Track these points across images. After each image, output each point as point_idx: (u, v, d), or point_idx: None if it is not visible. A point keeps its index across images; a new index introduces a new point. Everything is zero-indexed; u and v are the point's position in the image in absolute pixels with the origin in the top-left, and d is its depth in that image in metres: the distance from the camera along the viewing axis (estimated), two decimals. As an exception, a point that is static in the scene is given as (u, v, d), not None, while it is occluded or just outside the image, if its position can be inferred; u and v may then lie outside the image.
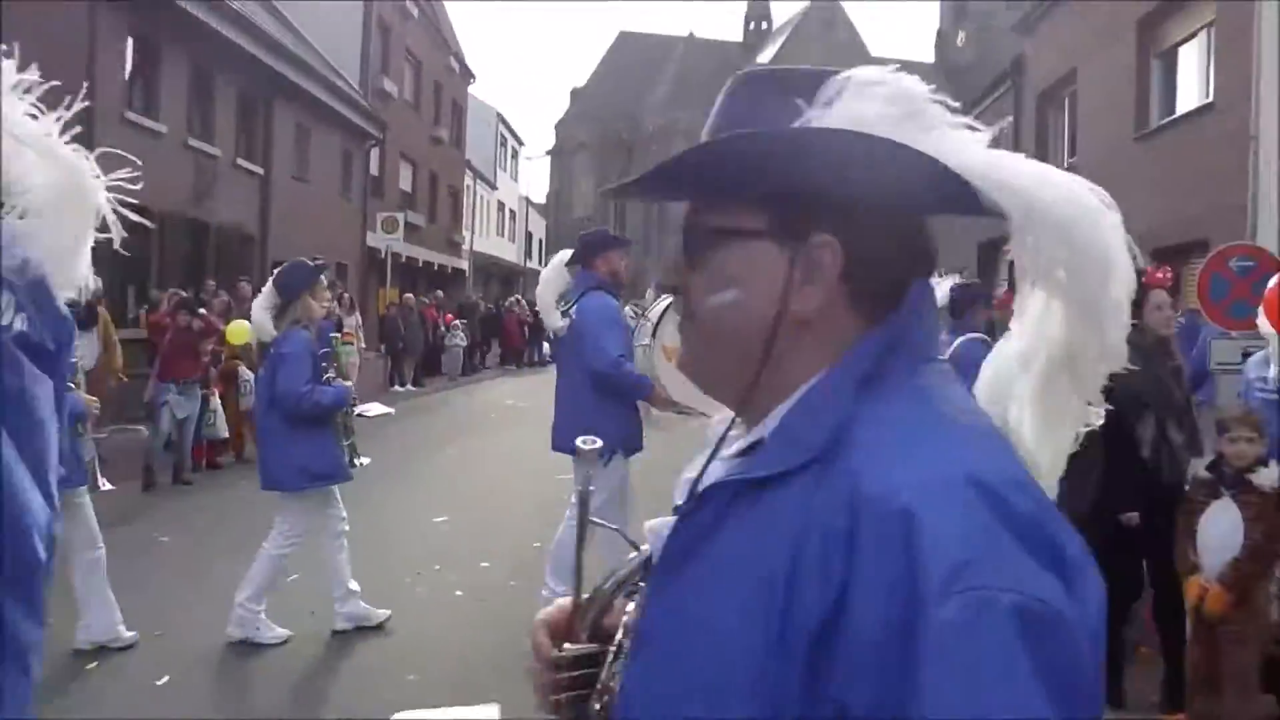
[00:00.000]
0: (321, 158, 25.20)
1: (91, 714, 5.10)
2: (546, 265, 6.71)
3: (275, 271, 6.39)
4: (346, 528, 6.31)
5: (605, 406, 6.11)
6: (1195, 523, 4.95)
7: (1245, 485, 4.81)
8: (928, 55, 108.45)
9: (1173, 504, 5.08)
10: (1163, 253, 14.85)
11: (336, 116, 25.55)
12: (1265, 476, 4.80)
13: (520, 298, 35.82)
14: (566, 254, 6.63)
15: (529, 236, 61.99)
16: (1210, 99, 13.85)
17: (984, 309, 7.60)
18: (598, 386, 6.11)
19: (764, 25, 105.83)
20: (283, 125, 22.72)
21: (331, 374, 6.25)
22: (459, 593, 7.06)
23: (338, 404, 6.16)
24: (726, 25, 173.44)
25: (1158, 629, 5.42)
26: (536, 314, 33.88)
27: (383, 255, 27.24)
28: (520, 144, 57.35)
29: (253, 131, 21.44)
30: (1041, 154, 21.57)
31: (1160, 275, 5.19)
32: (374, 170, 30.47)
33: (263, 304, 6.16)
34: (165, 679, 5.55)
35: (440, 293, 29.31)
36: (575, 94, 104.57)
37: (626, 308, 7.60)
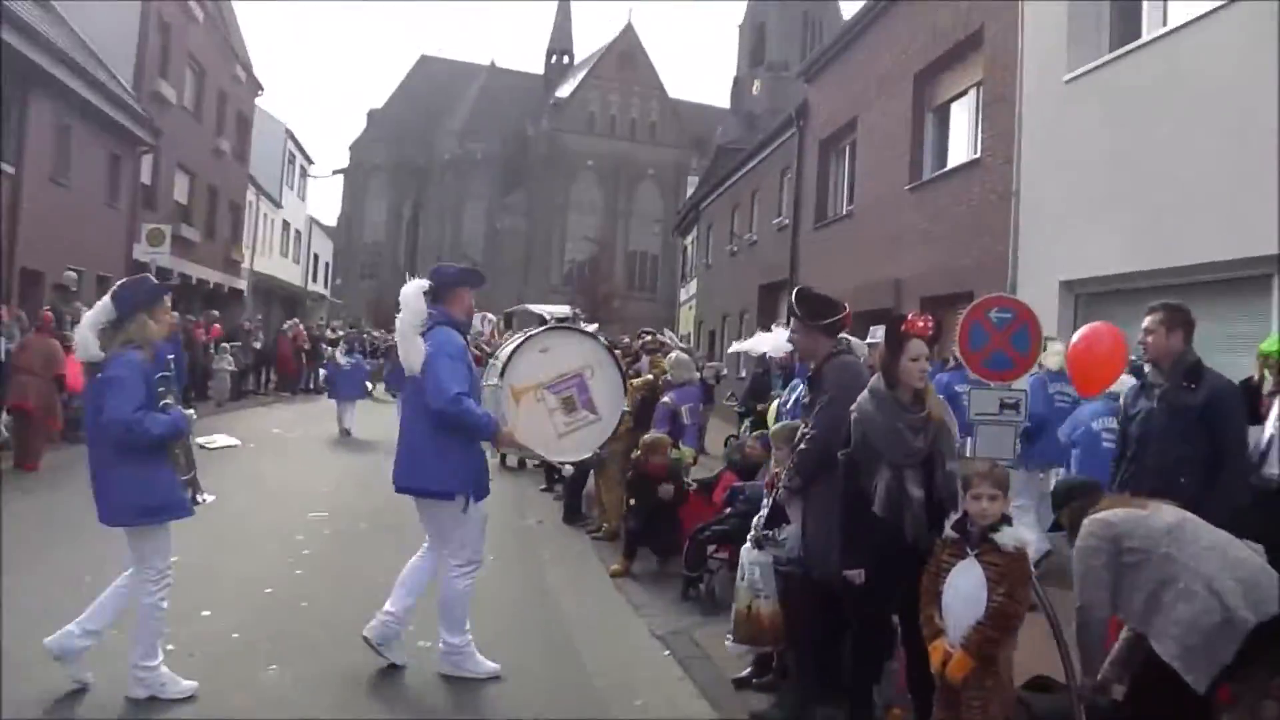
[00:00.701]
0: (84, 161, 23.41)
1: None
2: (401, 301, 6.15)
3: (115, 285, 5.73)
4: (165, 587, 5.62)
5: (450, 446, 5.98)
6: (940, 583, 4.81)
7: (989, 545, 4.70)
8: (724, 100, 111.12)
9: (921, 562, 4.94)
10: (932, 301, 15.24)
11: (102, 117, 23.75)
12: (1008, 536, 4.68)
13: (299, 322, 34.60)
14: (423, 284, 6.20)
15: (315, 258, 60.08)
16: (978, 155, 14.27)
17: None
18: (441, 424, 5.92)
19: (565, 59, 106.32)
20: (39, 122, 21.04)
21: (169, 400, 5.62)
22: (171, 647, 6.37)
23: (173, 433, 5.56)
24: (529, 56, 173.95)
25: (910, 691, 5.26)
26: (315, 340, 33.22)
27: (151, 270, 25.72)
28: (310, 162, 55.57)
29: (1, 127, 19.75)
30: (822, 200, 22.06)
31: (921, 324, 5.02)
32: (146, 179, 28.59)
33: (92, 321, 5.52)
34: None
35: (216, 313, 27.90)
36: (372, 115, 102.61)
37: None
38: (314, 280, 59.84)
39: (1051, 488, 6.73)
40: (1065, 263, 11.58)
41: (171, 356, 5.92)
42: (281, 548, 9.37)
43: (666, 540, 9.38)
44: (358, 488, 13.66)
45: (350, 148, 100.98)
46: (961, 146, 15.72)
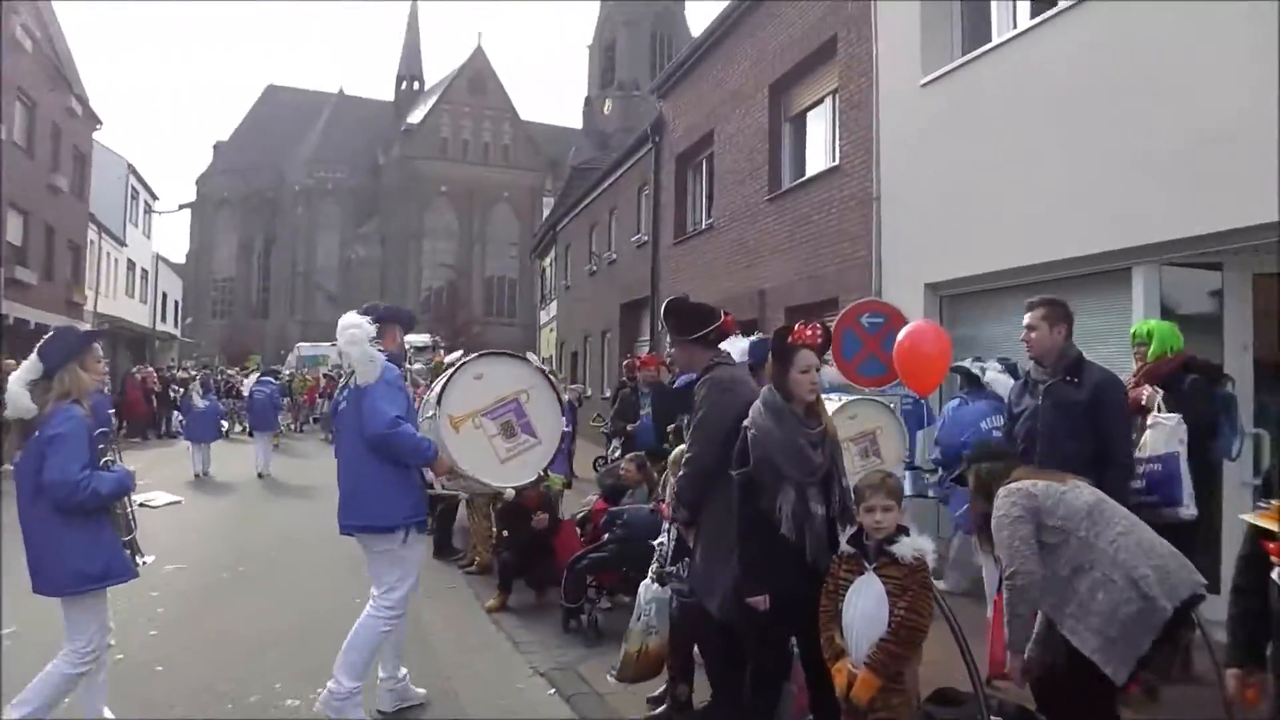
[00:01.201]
0: (-98, 200, 22.18)
1: None
2: (339, 328, 6.03)
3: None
4: (90, 663, 5.27)
5: (389, 479, 5.87)
6: (839, 602, 4.57)
7: (886, 558, 4.47)
8: (576, 121, 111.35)
9: (820, 581, 4.69)
10: (797, 310, 15.20)
11: (-79, 153, 22.58)
12: (905, 547, 4.47)
13: (148, 364, 33.23)
14: (365, 322, 6.01)
15: (163, 297, 57.94)
16: (837, 162, 14.27)
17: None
18: (379, 455, 5.81)
19: (415, 85, 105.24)
20: None
21: (110, 457, 5.41)
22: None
23: (120, 492, 5.31)
24: (378, 83, 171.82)
25: (812, 713, 4.99)
26: (165, 382, 31.95)
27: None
28: (154, 198, 53.66)
29: None
30: (681, 214, 21.98)
31: (809, 332, 4.76)
32: (-28, 220, 27.23)
33: (22, 376, 5.20)
34: None
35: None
36: (218, 148, 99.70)
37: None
38: (163, 320, 57.72)
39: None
40: (929, 265, 11.59)
41: (112, 411, 5.47)
42: (133, 604, 8.69)
43: (542, 572, 9.05)
44: (218, 534, 13.01)
45: (196, 181, 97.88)
46: (820, 154, 15.74)
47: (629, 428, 13.95)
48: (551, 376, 7.30)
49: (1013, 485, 4.51)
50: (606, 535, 8.31)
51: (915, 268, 11.83)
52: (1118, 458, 5.54)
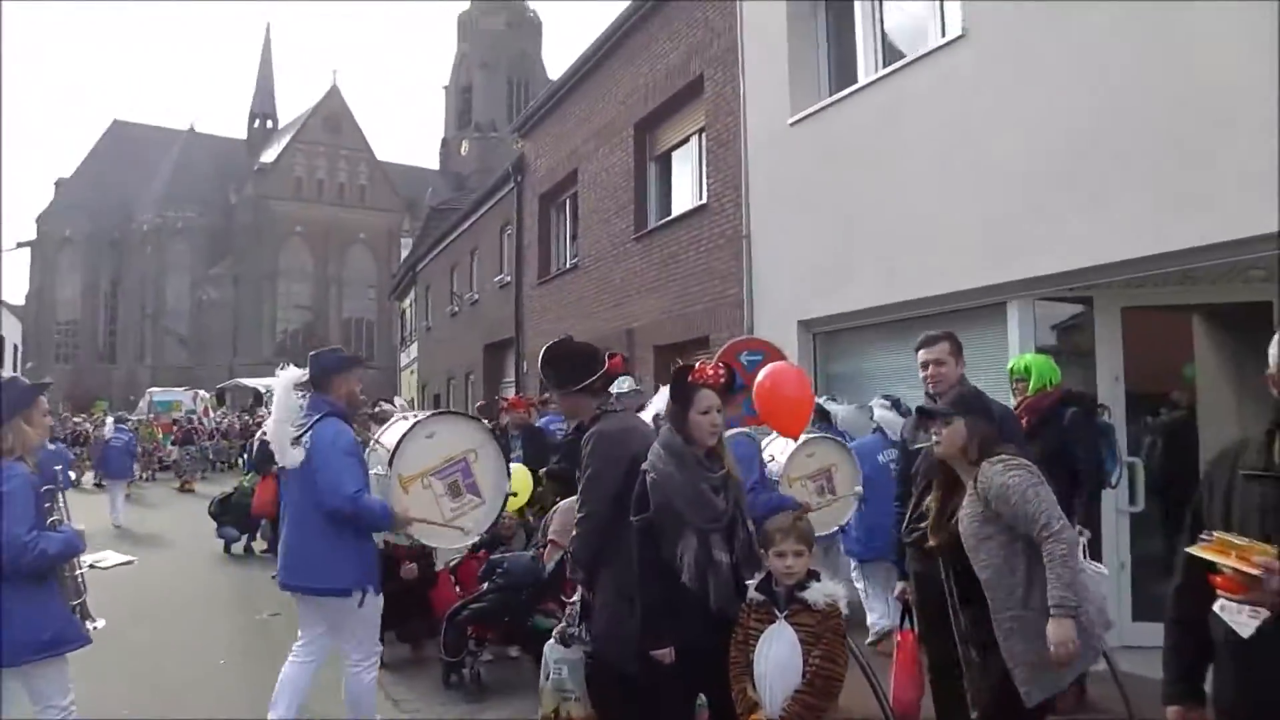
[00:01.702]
0: None
1: None
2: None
3: None
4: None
5: (343, 540, 5.73)
6: (750, 652, 4.33)
7: (798, 604, 4.26)
8: (433, 162, 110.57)
9: (727, 631, 4.44)
10: (667, 349, 15.08)
11: None
12: (817, 593, 4.26)
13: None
14: (297, 374, 5.98)
15: (0, 341, 55.18)
16: (704, 200, 14.21)
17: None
18: (334, 521, 5.68)
19: (269, 123, 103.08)
20: None
21: (57, 516, 5.15)
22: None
23: (68, 553, 5.00)
24: (230, 121, 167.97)
25: None
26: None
27: None
28: (-11, 236, 51.23)
29: None
30: (545, 254, 21.76)
31: (711, 371, 4.52)
32: None
33: None
34: None
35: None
36: (61, 184, 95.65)
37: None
38: (0, 365, 54.91)
39: None
40: (801, 302, 11.56)
41: (59, 467, 5.02)
42: None
43: (415, 625, 8.62)
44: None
45: (37, 219, 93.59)
46: (686, 192, 15.69)
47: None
48: (498, 435, 7.33)
49: (1010, 459, 4.24)
50: (486, 585, 7.92)
51: (788, 305, 11.78)
52: None
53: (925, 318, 9.85)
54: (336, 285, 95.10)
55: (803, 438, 7.92)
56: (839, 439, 8.53)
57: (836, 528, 8.29)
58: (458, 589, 8.88)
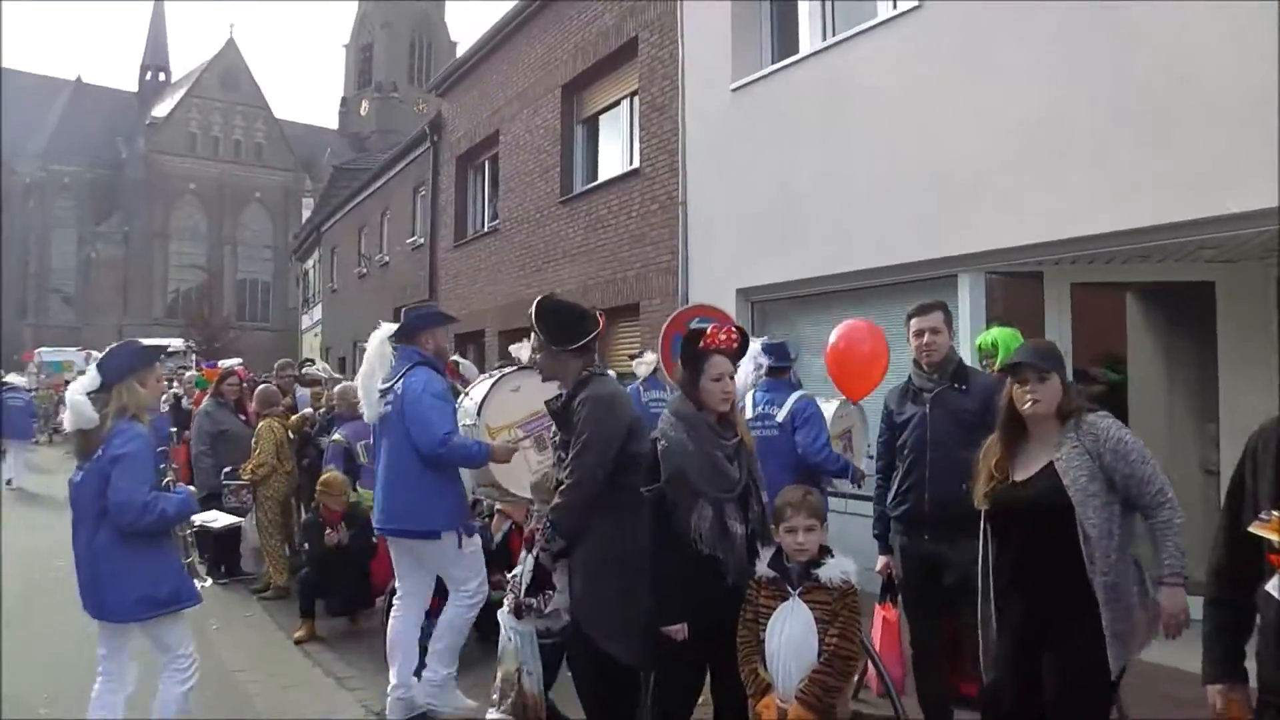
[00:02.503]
0: None
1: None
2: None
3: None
4: (194, 672, 5.12)
5: (434, 485, 5.94)
6: (760, 631, 4.16)
7: (812, 582, 4.10)
8: (332, 121, 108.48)
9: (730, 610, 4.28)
10: (608, 314, 14.83)
11: None
12: (833, 570, 4.11)
13: None
14: (390, 328, 6.26)
15: None
16: (636, 165, 13.98)
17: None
18: (429, 465, 5.90)
19: (161, 76, 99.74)
20: None
21: (171, 477, 5.50)
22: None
23: (185, 513, 5.20)
24: (120, 72, 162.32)
25: None
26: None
27: None
28: None
29: None
30: (462, 216, 21.37)
31: (724, 336, 4.33)
32: None
33: (81, 387, 4.98)
34: None
35: None
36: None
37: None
38: None
39: None
40: (739, 270, 11.41)
41: (173, 429, 6.25)
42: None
43: (350, 595, 8.32)
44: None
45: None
46: (615, 157, 15.44)
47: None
48: None
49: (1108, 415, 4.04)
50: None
51: (725, 273, 11.62)
52: None
53: (871, 288, 9.82)
54: (231, 245, 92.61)
55: (835, 400, 7.78)
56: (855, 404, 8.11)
57: None
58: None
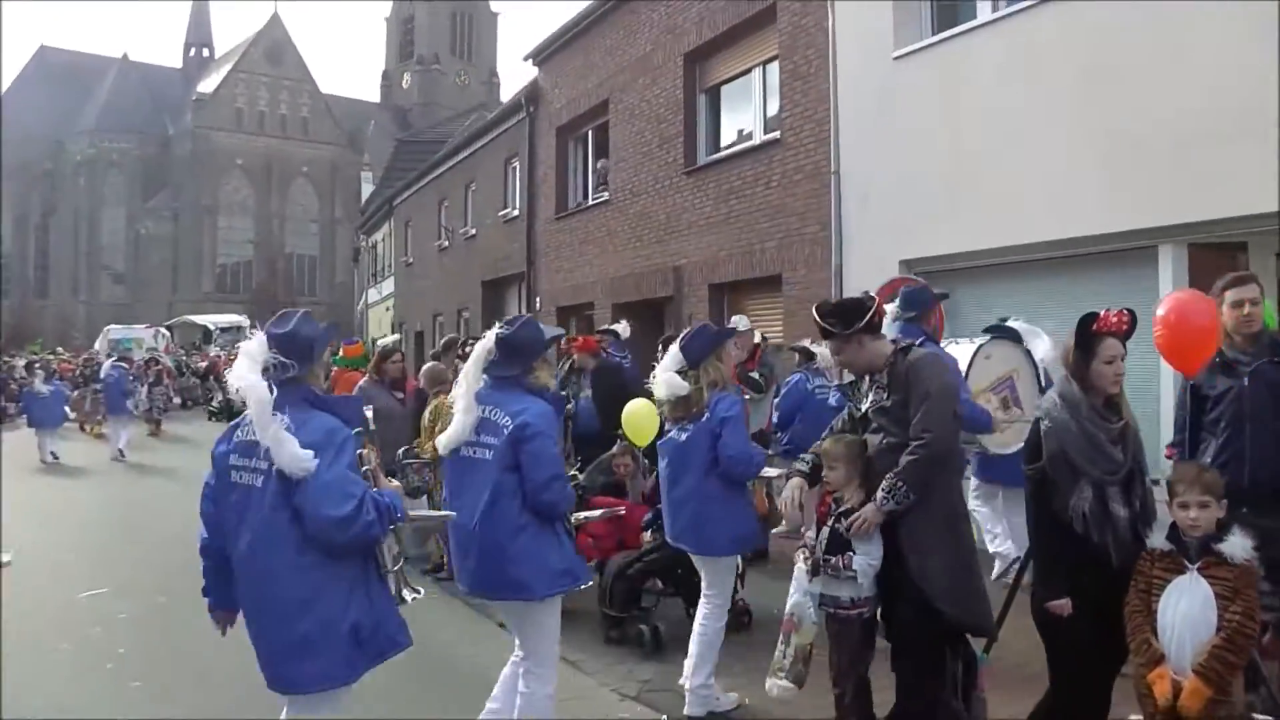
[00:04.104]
0: None
1: None
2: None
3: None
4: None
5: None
6: (1153, 603, 4.14)
7: (1212, 557, 4.07)
8: (374, 95, 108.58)
9: (1110, 590, 4.27)
10: (725, 288, 14.86)
11: None
12: (1235, 546, 4.06)
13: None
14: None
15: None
16: (778, 135, 13.83)
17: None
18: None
19: (205, 52, 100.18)
20: None
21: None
22: None
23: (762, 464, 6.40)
24: (164, 49, 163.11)
25: None
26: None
27: None
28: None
29: None
30: (562, 187, 21.28)
31: (1115, 319, 4.28)
32: None
33: (668, 366, 6.12)
34: None
35: None
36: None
37: None
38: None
39: None
40: (904, 242, 11.29)
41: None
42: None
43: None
44: (119, 540, 11.71)
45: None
46: (743, 126, 15.36)
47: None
48: (1034, 359, 7.80)
49: None
50: (653, 535, 7.58)
51: (887, 244, 11.48)
52: None
53: (1055, 260, 9.73)
54: (279, 220, 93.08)
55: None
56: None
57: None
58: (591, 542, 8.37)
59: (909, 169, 11.24)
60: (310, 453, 3.71)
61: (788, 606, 5.11)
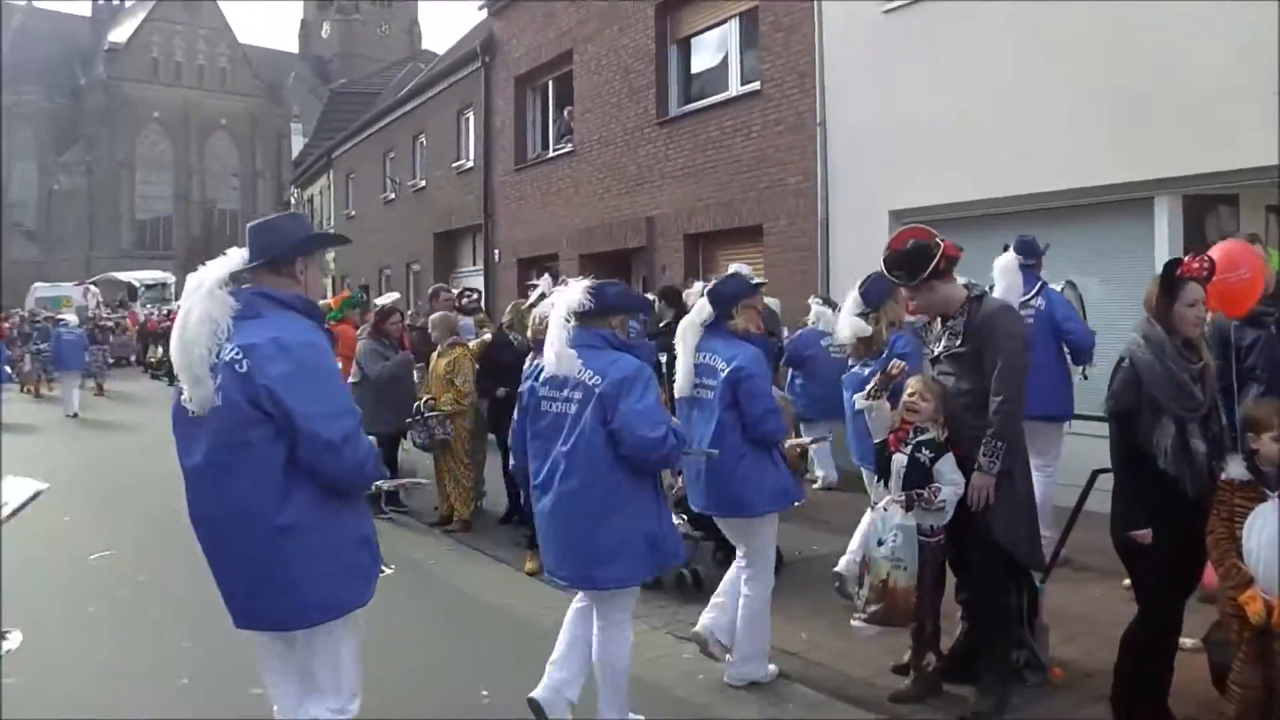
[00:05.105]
0: None
1: None
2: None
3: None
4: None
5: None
6: (1236, 529, 4.43)
7: None
8: (293, 45, 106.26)
9: (1187, 519, 4.57)
10: (701, 238, 14.99)
11: None
12: None
13: None
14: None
15: None
16: (758, 85, 13.96)
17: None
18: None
19: (115, 0, 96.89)
20: None
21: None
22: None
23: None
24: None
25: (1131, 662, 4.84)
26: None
27: None
28: None
29: None
30: (521, 139, 21.21)
31: (1196, 265, 4.54)
32: None
33: (850, 309, 6.82)
34: None
35: None
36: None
37: None
38: None
39: None
40: (894, 192, 11.51)
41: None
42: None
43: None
44: (108, 500, 11.68)
45: None
46: (715, 77, 15.51)
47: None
48: None
49: None
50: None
51: (874, 195, 11.70)
52: None
53: (1051, 210, 10.00)
54: (199, 174, 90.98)
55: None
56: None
57: None
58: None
59: (899, 120, 11.44)
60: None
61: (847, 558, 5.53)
